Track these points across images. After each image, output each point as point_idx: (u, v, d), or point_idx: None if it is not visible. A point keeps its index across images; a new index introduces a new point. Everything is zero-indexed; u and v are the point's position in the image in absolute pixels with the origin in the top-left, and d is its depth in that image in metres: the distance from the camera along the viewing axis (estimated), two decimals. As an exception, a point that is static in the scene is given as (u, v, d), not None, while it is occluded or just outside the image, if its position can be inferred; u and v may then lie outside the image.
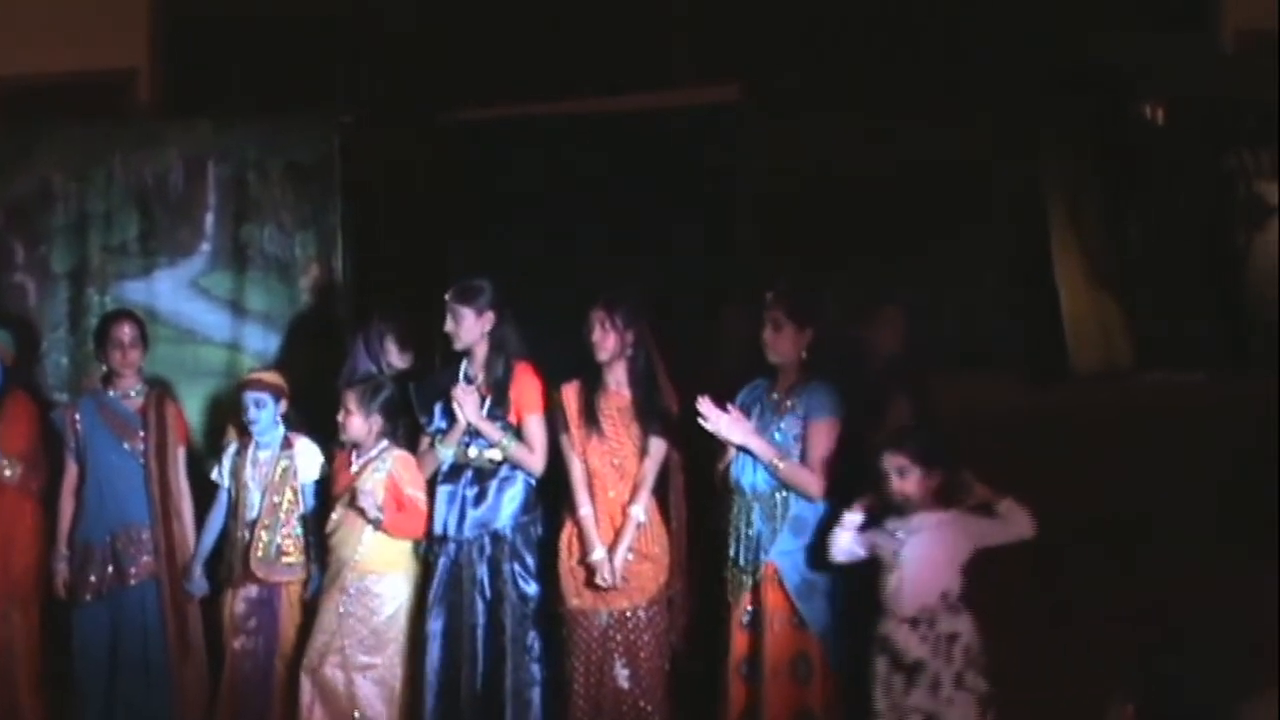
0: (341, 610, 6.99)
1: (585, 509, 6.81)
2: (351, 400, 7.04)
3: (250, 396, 7.29)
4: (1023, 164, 7.64)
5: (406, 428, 7.13)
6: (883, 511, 6.20)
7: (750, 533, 6.51)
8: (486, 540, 6.91)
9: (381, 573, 7.03)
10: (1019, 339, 7.68)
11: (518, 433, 6.94)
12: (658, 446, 6.82)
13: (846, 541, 6.25)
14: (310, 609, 7.16)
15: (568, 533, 6.86)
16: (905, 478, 6.10)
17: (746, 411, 6.59)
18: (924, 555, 6.08)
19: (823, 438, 6.48)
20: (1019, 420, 7.16)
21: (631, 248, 7.72)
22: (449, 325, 6.90)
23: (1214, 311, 7.49)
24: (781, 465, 6.44)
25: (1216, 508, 6.90)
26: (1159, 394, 7.42)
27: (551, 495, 6.99)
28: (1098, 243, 7.66)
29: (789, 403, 6.57)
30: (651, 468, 6.82)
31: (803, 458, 6.50)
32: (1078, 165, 7.67)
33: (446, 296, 6.91)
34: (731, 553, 6.56)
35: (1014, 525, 6.07)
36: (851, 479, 6.35)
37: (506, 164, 8.10)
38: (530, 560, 6.93)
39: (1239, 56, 7.37)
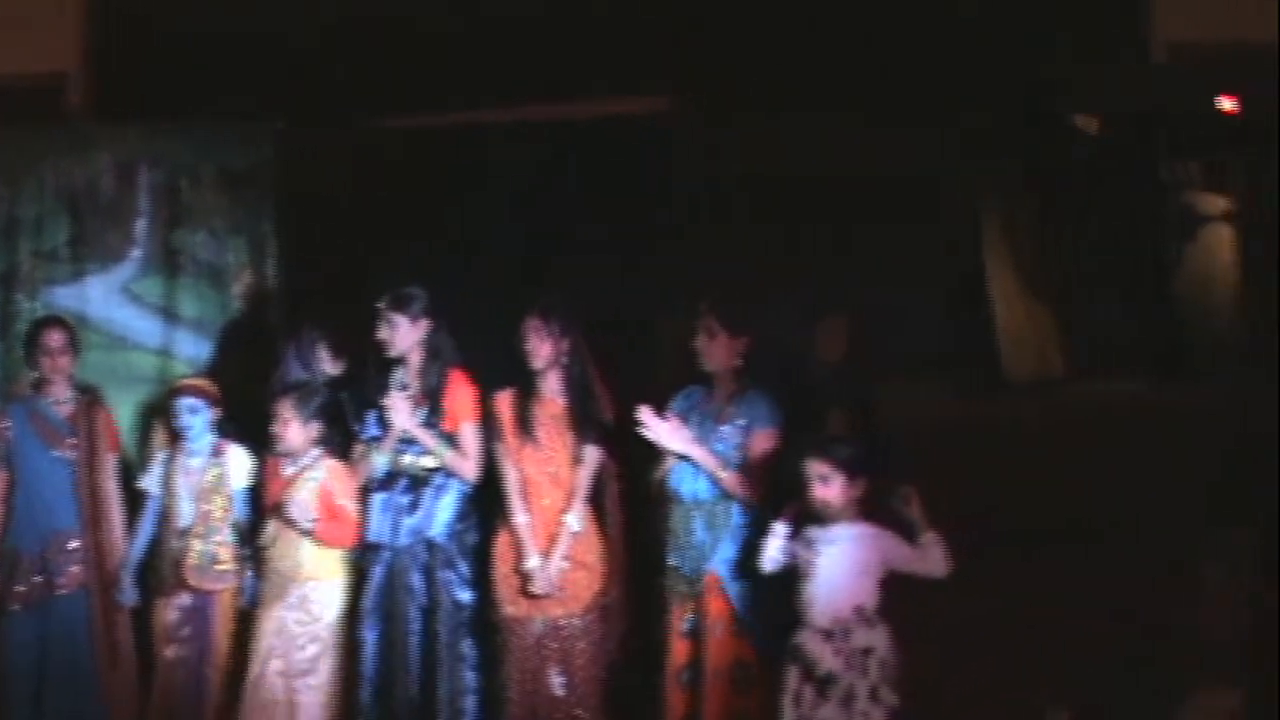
0: (282, 619, 6.92)
1: (520, 517, 6.75)
2: (286, 409, 6.96)
3: (184, 403, 7.21)
4: (958, 176, 7.63)
5: (340, 435, 7.06)
6: (806, 519, 6.18)
7: (693, 541, 6.50)
8: (421, 548, 6.86)
9: (320, 580, 6.96)
10: (953, 349, 7.68)
11: (452, 440, 6.87)
12: (592, 454, 6.79)
13: (774, 550, 6.22)
14: (244, 617, 7.09)
15: (502, 541, 6.81)
16: (828, 485, 6.08)
17: (683, 419, 6.58)
18: (839, 566, 6.06)
19: (762, 446, 6.47)
20: (953, 430, 7.18)
21: (566, 255, 7.69)
22: (383, 333, 6.85)
23: (1147, 321, 7.52)
24: (724, 475, 6.42)
25: (1151, 514, 6.90)
26: (1093, 403, 7.41)
27: (486, 503, 6.92)
28: (1032, 254, 7.68)
29: (730, 411, 6.56)
30: (586, 475, 6.79)
31: (743, 466, 6.49)
32: (1012, 178, 7.69)
33: (380, 304, 6.85)
34: (673, 561, 6.54)
35: (929, 560, 6.05)
36: (791, 488, 6.30)
37: (441, 171, 8.02)
38: (465, 568, 6.88)
39: (1171, 69, 7.41)
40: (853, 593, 6.00)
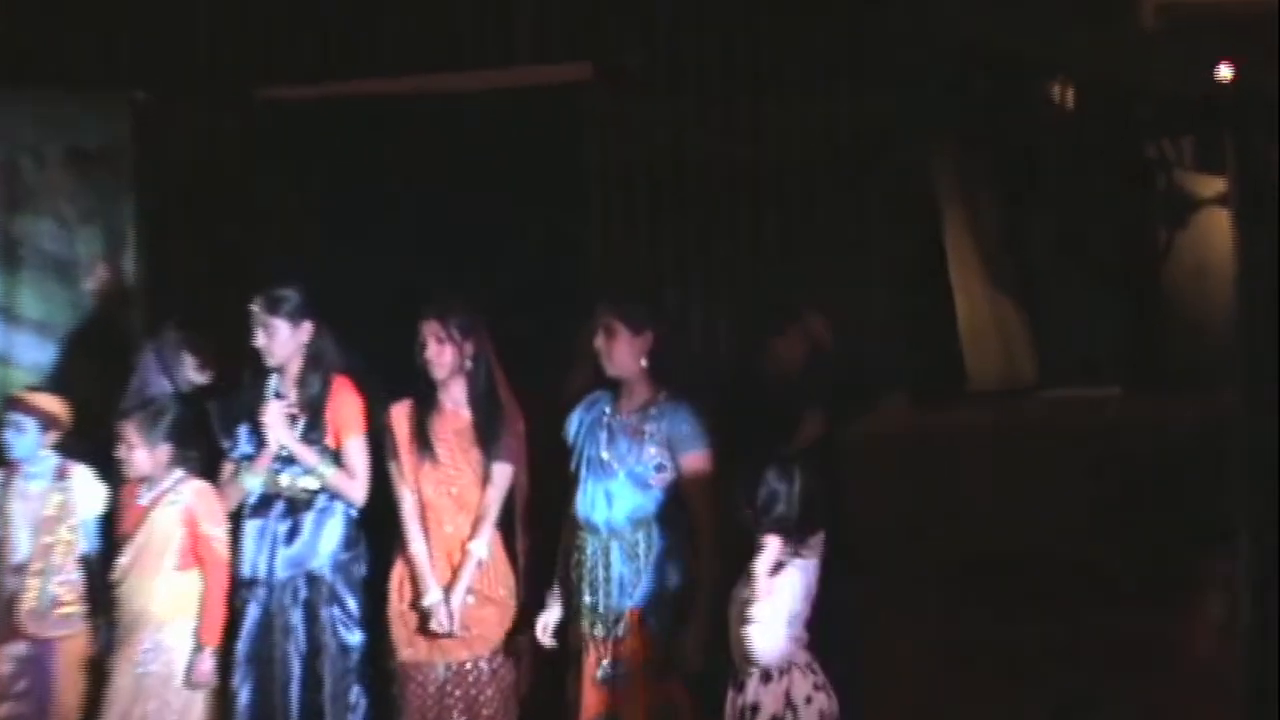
0: (138, 670, 6.56)
1: (417, 545, 6.47)
2: (130, 431, 6.62)
3: (10, 417, 6.85)
4: (913, 155, 7.42)
5: (204, 453, 6.74)
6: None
7: (609, 575, 6.26)
8: (301, 582, 6.57)
9: (181, 624, 6.58)
10: (909, 353, 7.48)
11: (336, 457, 6.60)
12: (501, 474, 6.49)
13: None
14: (93, 668, 6.74)
15: (398, 574, 6.53)
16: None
17: (587, 433, 6.37)
18: (773, 602, 5.84)
19: (695, 469, 6.24)
20: (908, 444, 7.07)
21: (471, 245, 7.49)
22: (260, 340, 6.58)
23: (1130, 320, 7.46)
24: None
25: (1132, 536, 6.81)
26: (1065, 413, 7.26)
27: (377, 530, 6.67)
28: (998, 244, 7.46)
29: (646, 429, 6.30)
30: (495, 498, 6.50)
31: (677, 494, 6.23)
32: (976, 157, 7.45)
33: (254, 307, 6.57)
34: (587, 600, 6.28)
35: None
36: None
37: (331, 151, 7.83)
38: (352, 604, 6.60)
39: (1161, 33, 7.20)
40: (789, 632, 5.79)
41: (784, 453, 6.07)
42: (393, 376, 6.64)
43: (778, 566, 5.81)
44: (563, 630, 6.38)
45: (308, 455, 6.52)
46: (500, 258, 7.46)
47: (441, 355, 6.45)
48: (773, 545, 5.78)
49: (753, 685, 5.80)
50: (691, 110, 7.36)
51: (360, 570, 6.64)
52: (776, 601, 5.80)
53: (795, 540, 5.81)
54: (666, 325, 6.47)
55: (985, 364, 7.55)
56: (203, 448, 6.76)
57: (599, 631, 6.23)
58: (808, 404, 6.63)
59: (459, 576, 6.41)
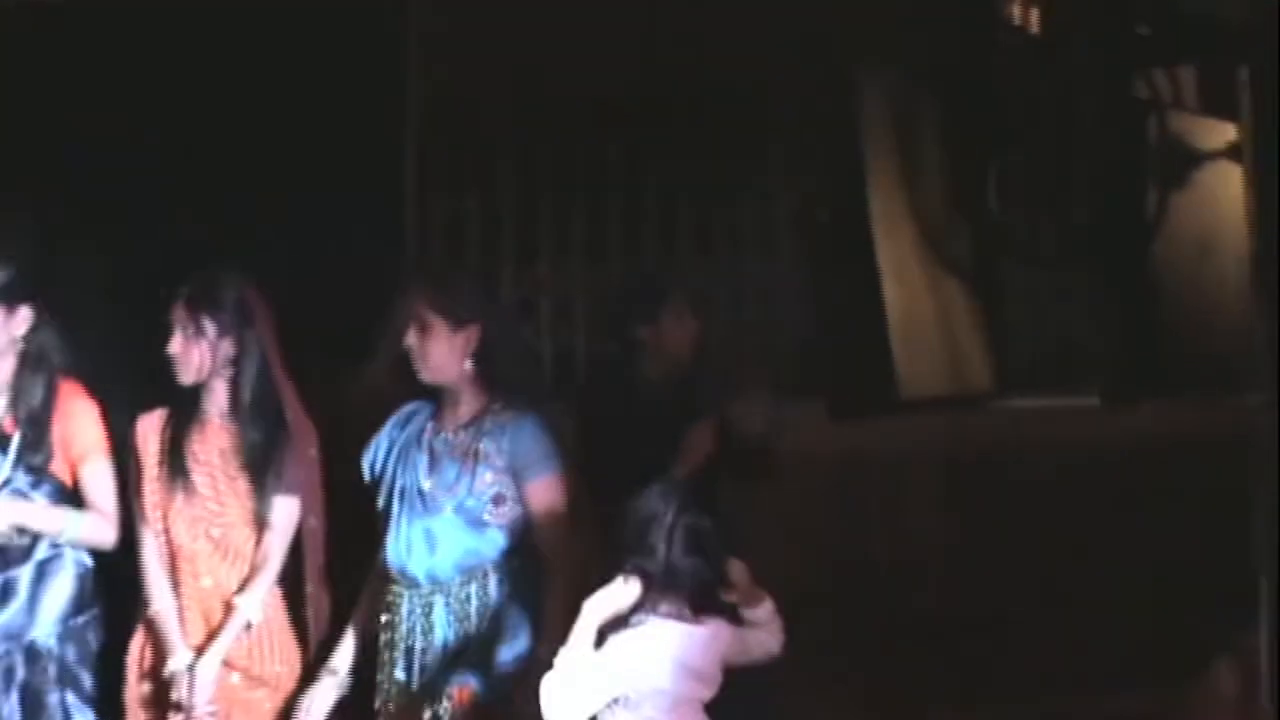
0: None
1: (163, 603, 5.58)
2: None
3: None
4: (827, 92, 6.97)
5: None
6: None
7: (430, 642, 5.46)
8: (18, 658, 5.64)
9: None
10: (823, 353, 7.13)
11: (65, 493, 5.69)
12: (283, 511, 5.60)
13: None
14: None
15: (138, 642, 5.65)
16: None
17: (400, 457, 5.57)
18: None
19: (555, 500, 5.50)
20: (827, 469, 6.72)
21: (246, 205, 6.82)
22: None
23: (1110, 308, 6.90)
24: None
25: (1115, 587, 6.59)
26: (1030, 427, 6.96)
27: (119, 583, 5.77)
28: (941, 211, 6.99)
29: (481, 448, 5.49)
30: (274, 544, 5.62)
31: (521, 533, 5.45)
32: (912, 96, 6.95)
33: None
34: (400, 676, 5.45)
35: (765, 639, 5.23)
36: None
37: (51, 73, 6.96)
38: (87, 684, 5.70)
39: None
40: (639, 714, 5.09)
41: (666, 479, 5.42)
42: (138, 378, 5.83)
43: (620, 622, 5.07)
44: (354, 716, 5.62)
45: (29, 499, 5.60)
46: (284, 222, 6.71)
47: (189, 352, 5.61)
48: (614, 588, 5.05)
49: None
50: (544, 28, 6.65)
51: (97, 637, 5.75)
52: (603, 661, 5.03)
53: (670, 593, 5.04)
54: (499, 315, 5.86)
55: (924, 366, 7.17)
56: None
57: (419, 716, 5.37)
58: (692, 415, 6.06)
59: (217, 637, 5.56)
